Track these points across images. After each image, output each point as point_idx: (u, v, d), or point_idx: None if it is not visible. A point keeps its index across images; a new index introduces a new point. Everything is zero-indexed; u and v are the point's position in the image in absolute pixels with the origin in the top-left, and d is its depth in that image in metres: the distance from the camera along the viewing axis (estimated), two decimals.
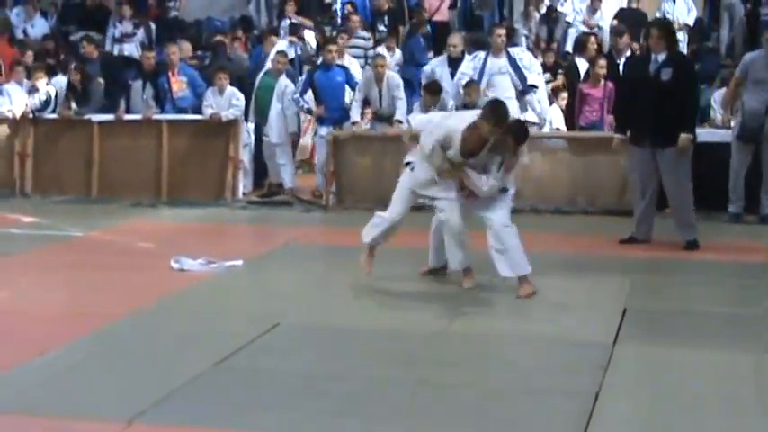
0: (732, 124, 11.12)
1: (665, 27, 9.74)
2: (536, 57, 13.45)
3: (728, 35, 15.77)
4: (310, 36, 15.75)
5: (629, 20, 15.15)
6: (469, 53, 12.64)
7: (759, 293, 7.68)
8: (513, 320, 7.00)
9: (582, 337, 6.53)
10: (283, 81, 12.64)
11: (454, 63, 12.47)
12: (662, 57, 9.18)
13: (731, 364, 5.90)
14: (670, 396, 5.38)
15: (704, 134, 10.58)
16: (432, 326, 6.71)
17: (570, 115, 12.34)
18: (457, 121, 7.57)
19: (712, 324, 6.85)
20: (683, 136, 9.08)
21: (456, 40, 12.72)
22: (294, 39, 14.80)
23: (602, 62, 12.17)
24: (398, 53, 14.75)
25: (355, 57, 14.11)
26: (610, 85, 11.95)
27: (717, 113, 11.86)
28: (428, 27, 15.59)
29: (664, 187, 9.39)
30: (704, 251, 9.18)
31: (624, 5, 16.79)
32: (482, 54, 12.50)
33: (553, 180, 11.70)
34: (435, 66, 12.70)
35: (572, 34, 16.39)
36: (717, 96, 11.94)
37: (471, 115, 7.58)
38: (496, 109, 7.47)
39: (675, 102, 9.08)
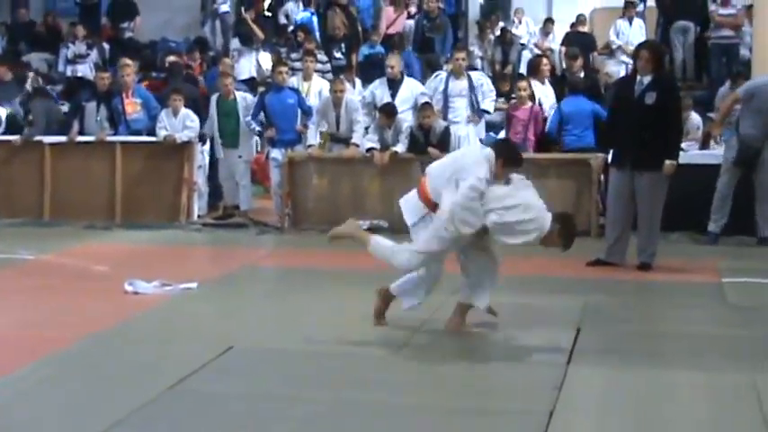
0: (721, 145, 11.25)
1: (655, 50, 9.62)
2: (493, 82, 13.53)
3: (680, 58, 15.99)
4: (265, 58, 15.79)
5: (576, 43, 15.31)
6: (425, 75, 12.75)
7: (706, 314, 7.77)
8: (466, 341, 6.99)
9: (536, 357, 6.56)
10: (245, 98, 12.67)
11: (394, 85, 12.53)
12: (647, 80, 9.17)
13: (683, 384, 5.94)
14: (622, 415, 5.42)
15: (690, 156, 10.92)
16: (386, 348, 6.70)
17: None
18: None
19: (665, 344, 6.89)
20: (668, 163, 9.14)
21: (394, 62, 12.72)
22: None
23: (524, 84, 12.26)
24: (358, 84, 14.70)
25: None
26: (536, 107, 12.09)
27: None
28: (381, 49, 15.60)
29: (637, 209, 9.39)
30: (664, 272, 9.25)
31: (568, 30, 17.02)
32: (443, 74, 12.66)
33: None
34: (375, 88, 12.72)
35: (525, 57, 16.58)
36: None
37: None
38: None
39: (659, 126, 9.10)
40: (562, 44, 16.46)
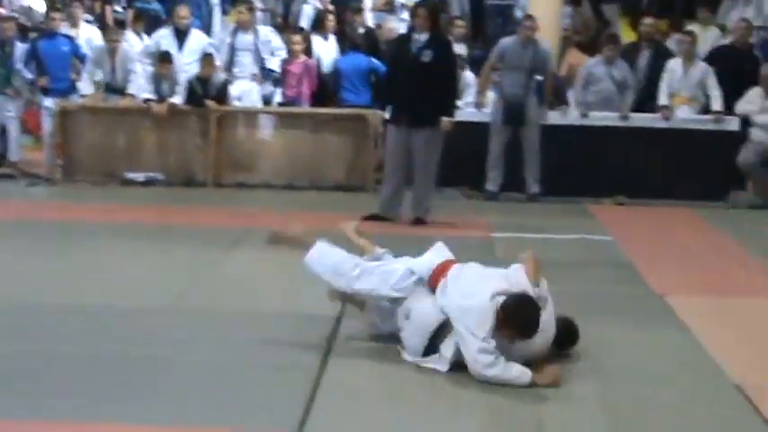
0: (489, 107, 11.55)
1: (432, 8, 9.67)
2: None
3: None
4: (37, 1, 15.16)
5: None
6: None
7: None
8: (238, 297, 6.96)
9: (308, 311, 6.61)
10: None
11: (181, 35, 12.31)
12: (424, 38, 9.24)
13: None
14: (393, 364, 5.52)
15: (464, 114, 11.12)
16: (159, 302, 6.61)
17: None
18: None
19: None
20: (445, 120, 9.30)
21: (184, 12, 12.49)
22: None
23: (297, 38, 12.29)
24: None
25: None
26: (310, 61, 12.14)
27: None
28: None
29: (413, 165, 9.52)
30: (438, 227, 9.42)
31: None
32: (234, 26, 12.56)
33: (285, 155, 11.81)
34: (161, 38, 12.46)
35: (306, 11, 16.48)
36: None
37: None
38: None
39: (435, 84, 9.20)
40: None
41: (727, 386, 5.36)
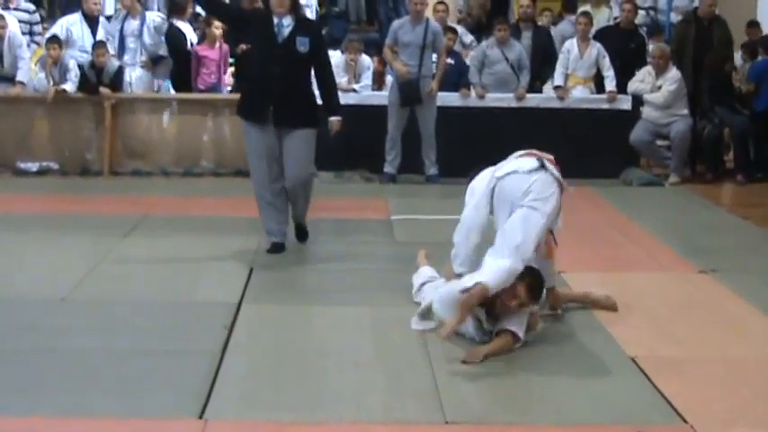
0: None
1: None
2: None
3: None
4: None
5: None
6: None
7: (376, 251, 8.04)
8: (136, 285, 6.89)
9: (208, 297, 6.58)
10: None
11: (92, 22, 12.10)
12: (287, 21, 7.50)
13: (352, 318, 6.15)
14: (292, 350, 5.54)
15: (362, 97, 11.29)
16: (55, 293, 6.51)
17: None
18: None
19: (335, 281, 7.07)
20: (335, 119, 7.83)
21: None
22: None
23: (217, 23, 12.12)
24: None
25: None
26: (225, 46, 12.03)
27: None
28: None
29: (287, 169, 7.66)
30: (337, 210, 9.42)
31: None
32: (125, 12, 12.31)
33: (182, 142, 11.70)
34: (71, 24, 12.16)
35: None
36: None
37: None
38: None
39: (310, 77, 7.74)
40: None
41: (623, 359, 5.48)
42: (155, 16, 12.70)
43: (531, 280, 5.54)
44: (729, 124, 11.84)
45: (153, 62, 12.26)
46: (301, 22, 7.66)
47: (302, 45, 7.49)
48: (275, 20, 7.50)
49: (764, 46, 12.42)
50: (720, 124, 11.83)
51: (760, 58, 12.28)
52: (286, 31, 7.49)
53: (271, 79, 7.48)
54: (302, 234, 8.15)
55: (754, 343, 5.86)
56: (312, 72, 7.76)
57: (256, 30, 7.68)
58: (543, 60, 12.39)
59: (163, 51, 12.29)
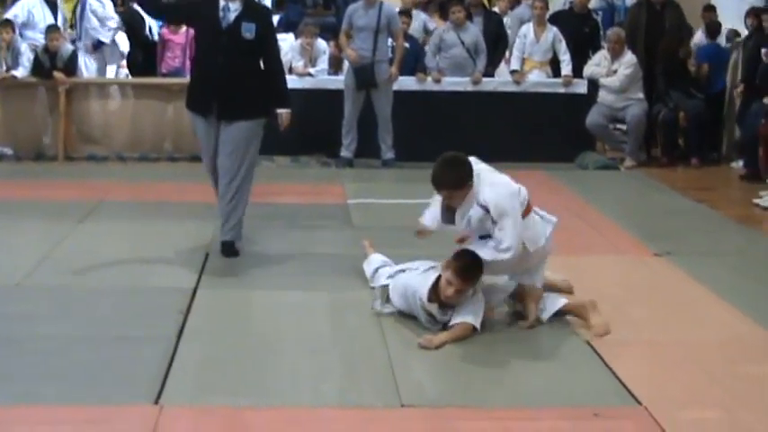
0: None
1: None
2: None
3: None
4: None
5: None
6: None
7: (333, 235, 8.02)
8: (91, 271, 6.81)
9: (164, 283, 6.54)
10: None
11: (51, 5, 11.97)
12: (235, 6, 6.99)
13: (308, 303, 6.14)
14: (248, 336, 5.55)
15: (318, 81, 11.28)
16: (9, 280, 6.45)
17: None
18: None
19: (291, 265, 7.06)
20: (284, 112, 7.29)
21: None
22: None
23: None
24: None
25: None
26: (191, 31, 11.95)
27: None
28: None
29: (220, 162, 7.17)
30: (295, 195, 9.41)
31: None
32: None
33: (139, 127, 11.61)
34: (32, 6, 12.03)
35: None
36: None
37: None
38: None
39: (258, 67, 7.17)
40: None
41: (579, 342, 5.52)
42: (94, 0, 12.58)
43: (460, 263, 5.52)
44: (684, 108, 11.92)
45: (93, 47, 12.14)
46: (249, 8, 7.08)
47: (248, 31, 6.95)
48: (221, 3, 7.00)
49: (710, 32, 12.59)
50: (675, 108, 11.91)
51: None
52: (232, 17, 6.97)
53: (215, 68, 7.00)
54: (228, 249, 7.21)
55: (709, 326, 5.92)
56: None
57: (202, 15, 7.13)
58: (495, 46, 12.41)
59: (106, 37, 12.13)
